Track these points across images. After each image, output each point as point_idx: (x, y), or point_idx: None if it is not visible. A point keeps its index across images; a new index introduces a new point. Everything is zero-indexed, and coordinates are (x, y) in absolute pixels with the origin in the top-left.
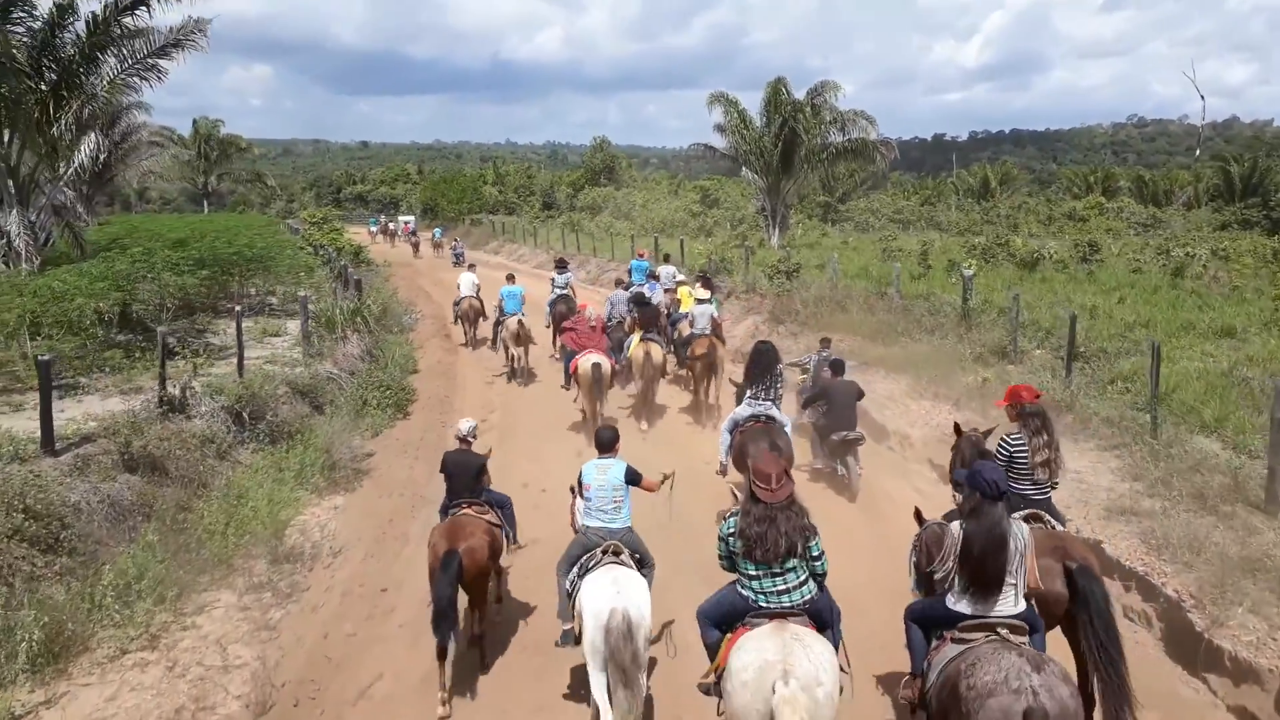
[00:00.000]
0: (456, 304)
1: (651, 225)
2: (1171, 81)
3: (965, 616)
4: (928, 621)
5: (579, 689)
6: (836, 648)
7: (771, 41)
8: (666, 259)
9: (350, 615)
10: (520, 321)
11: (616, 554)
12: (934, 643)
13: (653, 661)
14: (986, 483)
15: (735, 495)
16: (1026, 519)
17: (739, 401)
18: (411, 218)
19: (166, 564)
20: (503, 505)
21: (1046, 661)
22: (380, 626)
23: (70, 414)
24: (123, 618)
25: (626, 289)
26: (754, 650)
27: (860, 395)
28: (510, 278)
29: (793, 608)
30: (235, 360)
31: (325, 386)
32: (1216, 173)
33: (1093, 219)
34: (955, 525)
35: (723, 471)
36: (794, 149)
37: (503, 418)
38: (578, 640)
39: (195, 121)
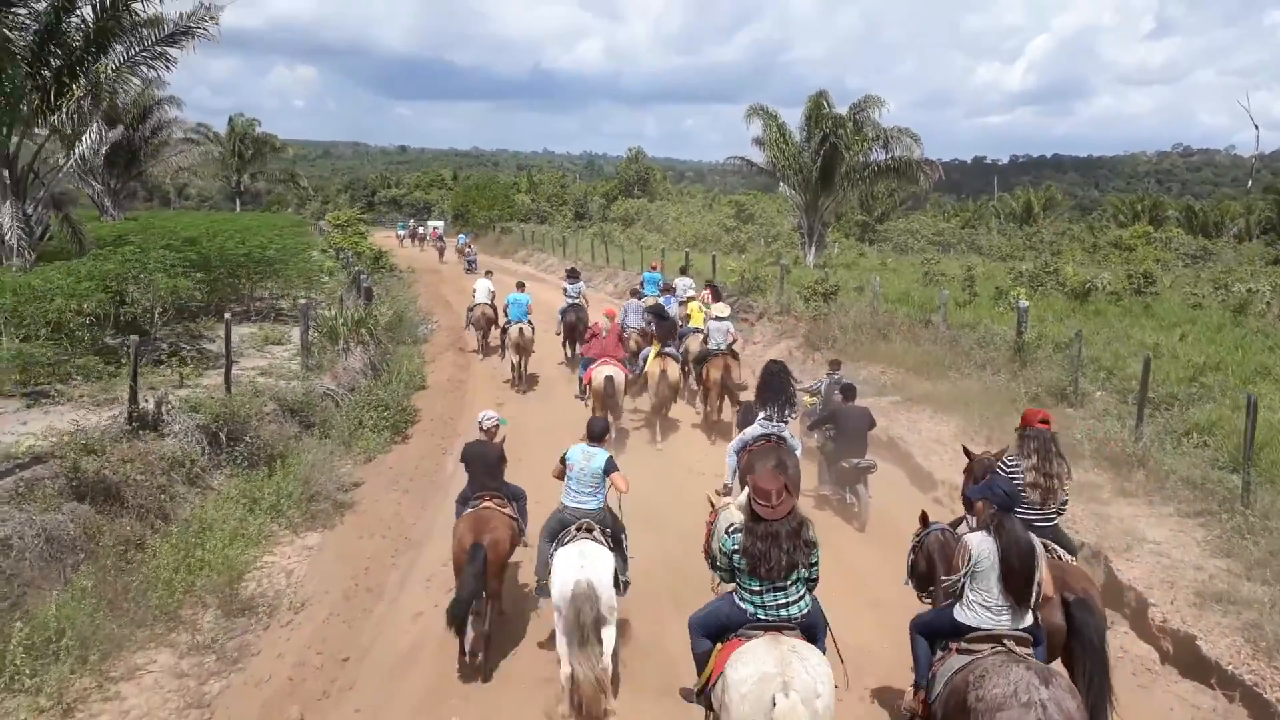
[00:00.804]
0: (470, 310)
1: (684, 239)
2: (1218, 111)
3: (972, 629)
4: (934, 633)
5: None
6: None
7: (813, 59)
8: (684, 271)
9: (300, 693)
10: (522, 330)
11: (589, 530)
12: (938, 654)
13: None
14: (1003, 494)
15: (711, 503)
16: None
17: (746, 422)
18: (440, 223)
19: (99, 615)
20: (518, 498)
21: (1054, 675)
22: (334, 710)
23: (34, 426)
24: (34, 683)
25: (640, 299)
26: (752, 663)
27: (872, 424)
28: (520, 285)
29: (789, 620)
30: (235, 369)
31: (319, 404)
32: (1270, 205)
33: (1140, 248)
34: (974, 537)
35: (727, 492)
36: (834, 165)
37: (511, 431)
38: (549, 593)
39: (231, 119)
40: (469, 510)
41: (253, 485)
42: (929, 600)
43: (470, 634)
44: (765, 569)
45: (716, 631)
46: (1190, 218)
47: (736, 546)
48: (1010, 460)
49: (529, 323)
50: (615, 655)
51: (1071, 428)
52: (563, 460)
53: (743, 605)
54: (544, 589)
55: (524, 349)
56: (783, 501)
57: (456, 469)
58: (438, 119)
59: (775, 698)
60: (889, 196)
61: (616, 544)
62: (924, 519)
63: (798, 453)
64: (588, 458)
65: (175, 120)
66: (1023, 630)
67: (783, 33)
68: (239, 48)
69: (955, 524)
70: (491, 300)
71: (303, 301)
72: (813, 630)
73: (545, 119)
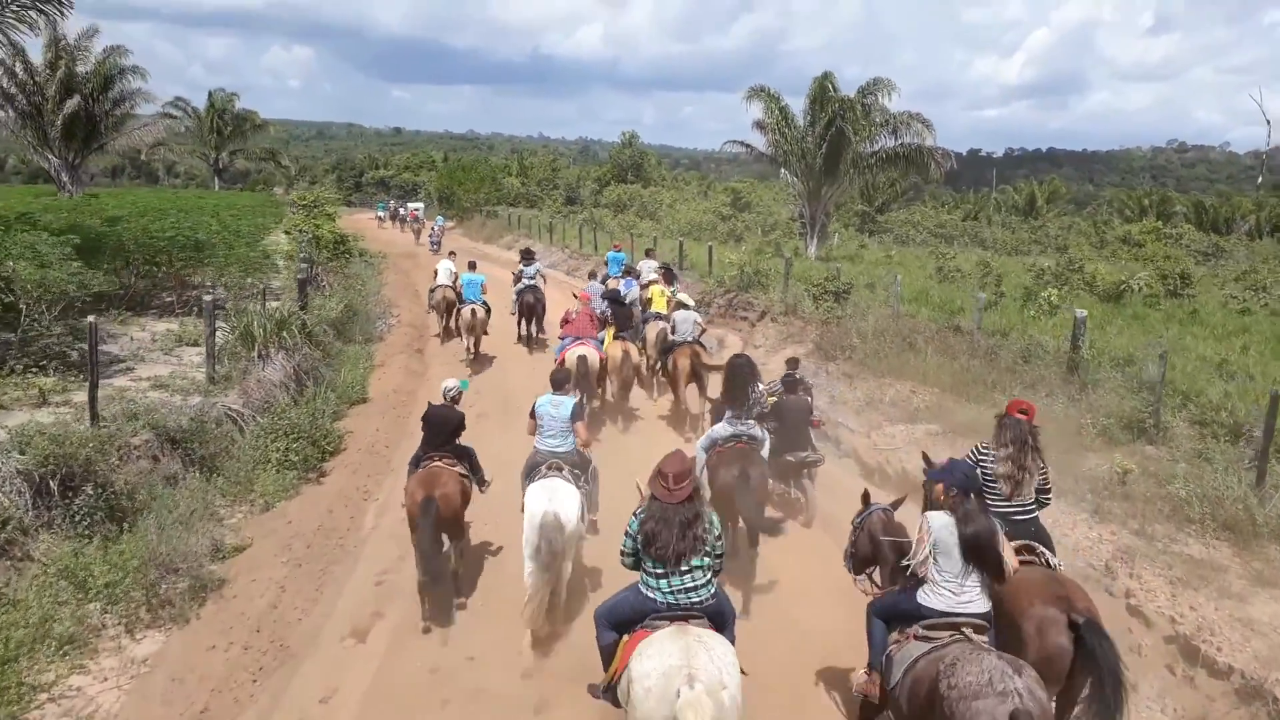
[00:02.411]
0: (432, 292)
1: (677, 227)
2: (1214, 108)
3: (935, 612)
4: (893, 616)
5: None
6: (733, 644)
7: (812, 48)
8: (649, 253)
9: None
10: (474, 310)
11: (559, 469)
12: (894, 638)
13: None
14: (963, 476)
15: (640, 490)
16: (1020, 550)
17: (715, 419)
18: (420, 205)
19: None
20: (468, 456)
21: (1024, 665)
22: None
23: None
24: None
25: (602, 281)
26: (656, 655)
27: (811, 413)
28: (472, 265)
29: (694, 607)
30: (108, 384)
31: (214, 431)
32: None
33: (1149, 244)
34: (934, 515)
35: None
36: (840, 151)
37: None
38: None
39: (210, 94)
40: (420, 469)
41: (82, 557)
42: (865, 585)
43: (428, 598)
44: (655, 549)
45: (623, 622)
46: (1200, 213)
47: (636, 529)
48: (984, 447)
49: (483, 303)
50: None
51: (1155, 473)
52: (533, 415)
53: (647, 593)
54: None
55: (475, 330)
56: (681, 488)
57: (375, 529)
58: (433, 102)
59: (680, 689)
60: (890, 186)
61: (587, 481)
62: (865, 498)
63: (765, 449)
64: (556, 405)
65: (139, 91)
66: (980, 616)
67: (782, 22)
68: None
69: (896, 504)
70: (454, 282)
71: (208, 298)
72: (720, 619)
73: (542, 104)
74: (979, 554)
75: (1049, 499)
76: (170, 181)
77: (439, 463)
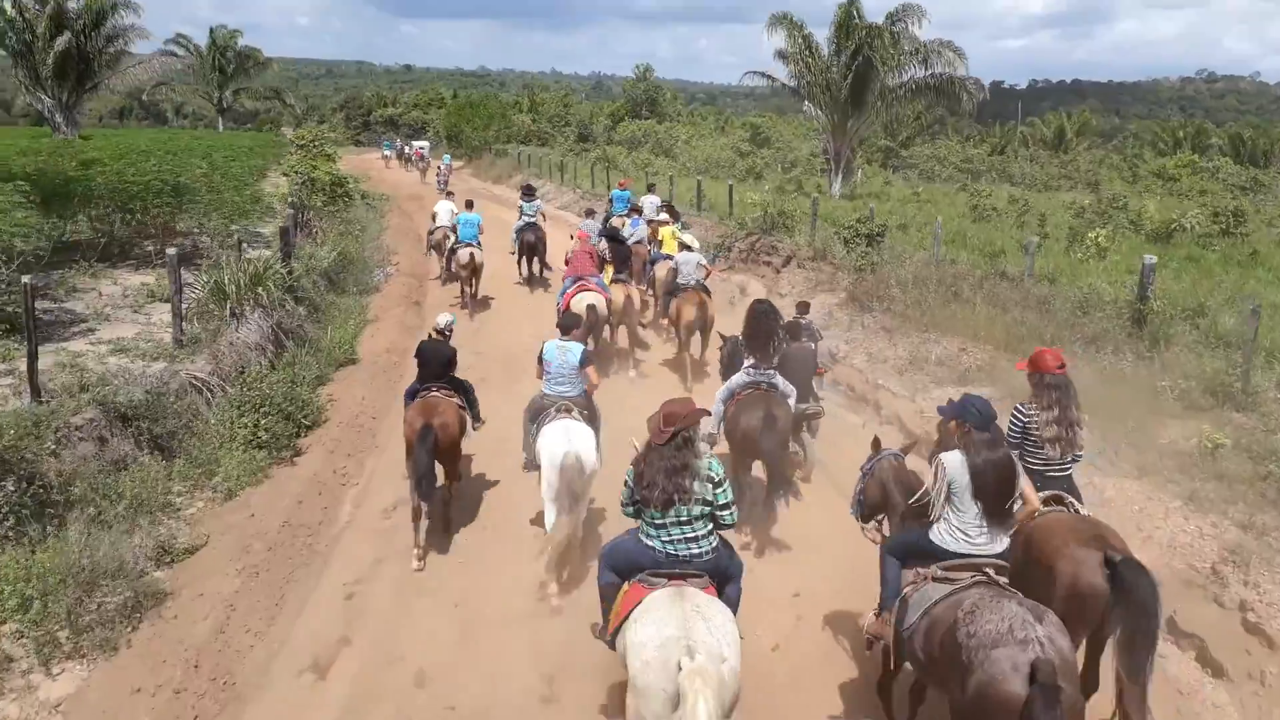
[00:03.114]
0: (431, 233)
1: (694, 164)
2: (1244, 36)
3: (951, 554)
4: (906, 554)
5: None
6: (738, 602)
7: None
8: (651, 189)
9: None
10: (472, 253)
11: (569, 411)
12: (910, 579)
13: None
14: (977, 412)
15: (635, 445)
16: (1047, 501)
17: (725, 361)
18: (425, 144)
19: None
20: (466, 389)
21: (1045, 611)
22: None
23: None
24: None
25: (593, 217)
26: (653, 624)
27: (816, 366)
28: (469, 204)
29: (694, 558)
30: (86, 340)
31: (174, 405)
32: None
33: (1184, 179)
34: (950, 456)
35: (711, 443)
36: (867, 82)
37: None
38: (537, 467)
39: (211, 31)
40: (418, 399)
41: (15, 564)
42: (873, 534)
43: (423, 525)
44: (643, 491)
45: (621, 566)
46: (1237, 146)
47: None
48: (1029, 410)
49: (478, 244)
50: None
51: (1250, 447)
52: (540, 360)
53: (647, 541)
54: (531, 464)
55: (474, 272)
56: (666, 430)
57: (350, 523)
58: (444, 38)
59: (680, 661)
60: (915, 120)
61: (593, 424)
62: (876, 444)
63: (790, 402)
64: (564, 351)
65: (134, 28)
66: (999, 556)
67: None
68: None
69: (907, 449)
70: (454, 223)
71: (171, 251)
72: (723, 574)
73: (554, 38)
74: (990, 487)
75: (1083, 454)
76: (179, 122)
77: (437, 392)
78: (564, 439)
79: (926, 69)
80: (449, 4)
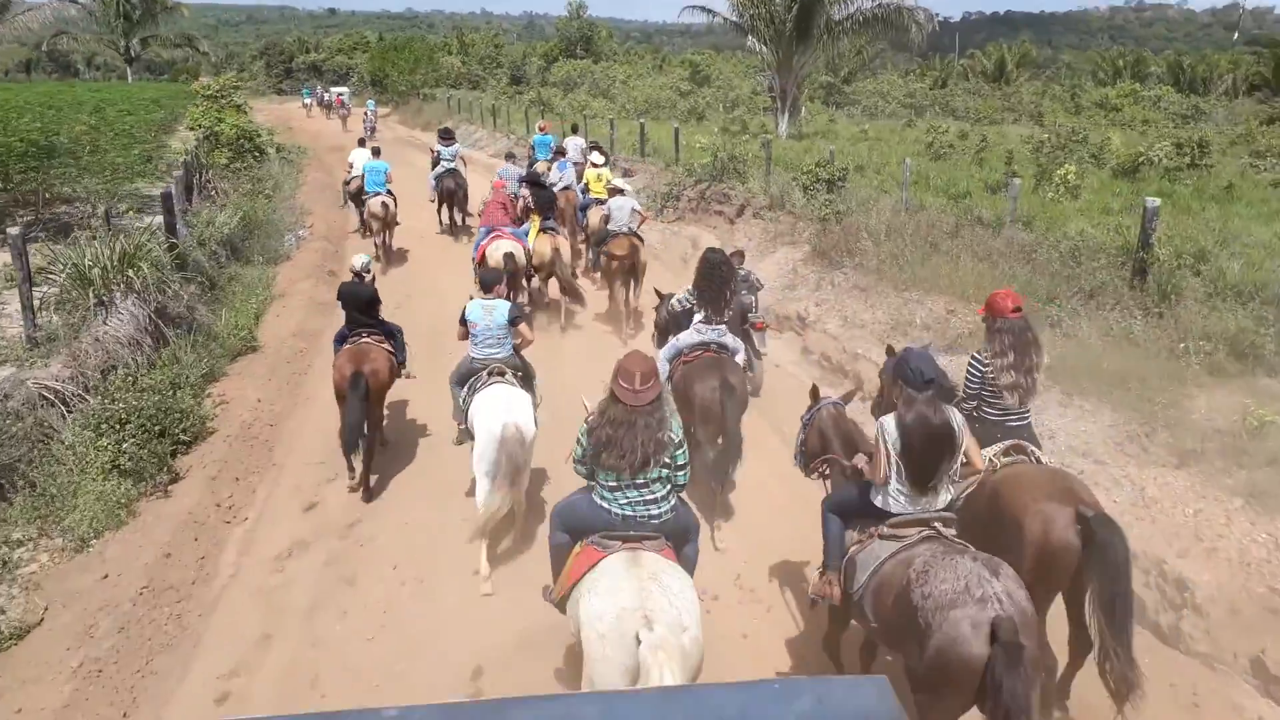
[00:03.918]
0: (346, 184)
1: (634, 106)
2: None
3: (893, 514)
4: (850, 514)
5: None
6: (695, 562)
7: None
8: (575, 129)
9: None
10: (384, 202)
11: (501, 374)
12: (855, 537)
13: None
14: (912, 370)
15: (585, 405)
16: (1008, 451)
17: (660, 323)
18: (345, 89)
19: None
20: (394, 335)
21: (1000, 564)
22: None
23: None
24: None
25: (514, 161)
26: (607, 595)
27: (750, 315)
28: (375, 152)
29: (651, 519)
30: None
31: (16, 426)
32: (1261, 60)
33: (1126, 108)
34: (889, 419)
35: None
36: (812, 15)
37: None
38: (471, 438)
39: None
40: (347, 345)
41: None
42: (817, 477)
43: (358, 466)
44: (615, 457)
45: (574, 527)
46: (1177, 74)
47: (586, 429)
48: (981, 358)
49: (389, 192)
50: None
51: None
52: (463, 321)
53: (602, 504)
54: (466, 434)
55: (387, 222)
56: (647, 388)
57: (235, 578)
58: None
59: (640, 633)
60: (856, 55)
61: (528, 386)
62: (814, 393)
63: (740, 358)
64: (489, 311)
65: None
66: (946, 509)
67: None
68: None
69: (847, 398)
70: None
71: (13, 230)
72: (682, 535)
73: None
74: (915, 449)
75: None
76: (92, 75)
77: (367, 339)
78: (502, 408)
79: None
80: None
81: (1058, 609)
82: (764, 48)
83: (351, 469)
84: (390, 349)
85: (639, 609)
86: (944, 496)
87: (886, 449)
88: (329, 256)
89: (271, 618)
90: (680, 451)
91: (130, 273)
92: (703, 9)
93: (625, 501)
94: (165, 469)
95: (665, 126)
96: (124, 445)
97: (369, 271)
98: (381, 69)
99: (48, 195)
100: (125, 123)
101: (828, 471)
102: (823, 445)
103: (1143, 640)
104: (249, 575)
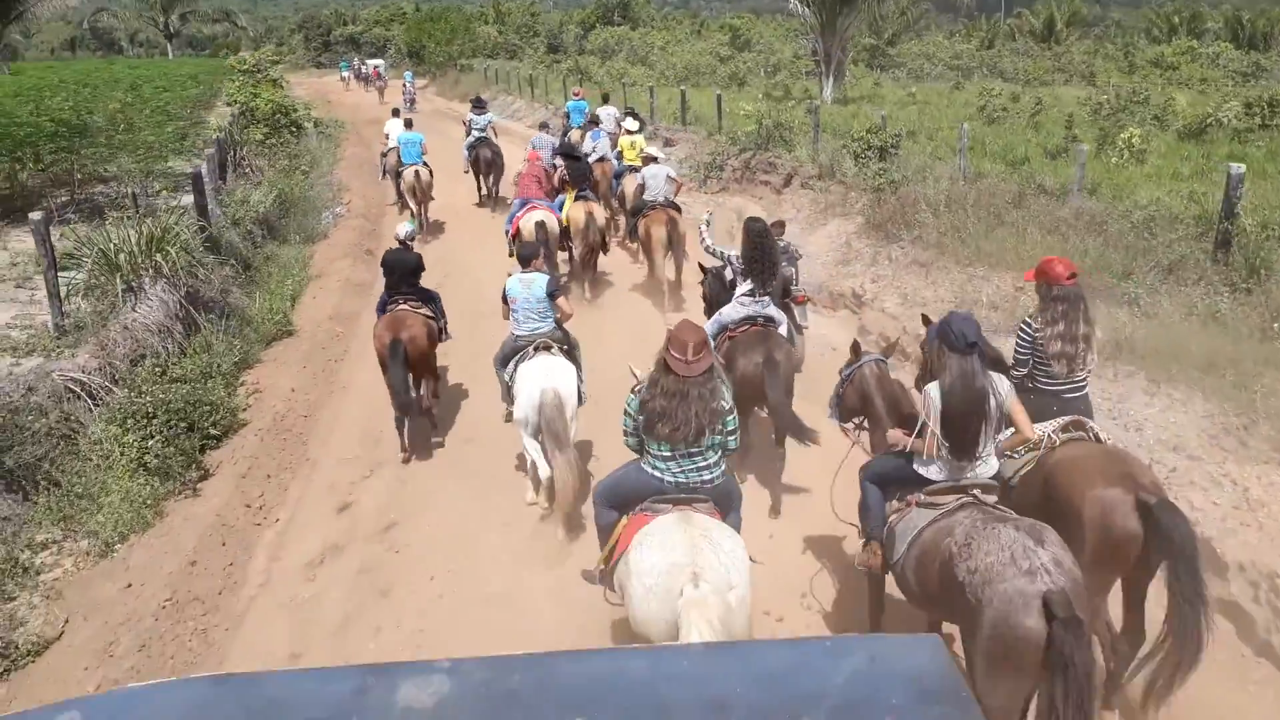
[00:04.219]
0: (384, 155)
1: (673, 73)
2: None
3: (933, 481)
4: (889, 482)
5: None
6: (739, 530)
7: None
8: (606, 99)
9: None
10: (418, 173)
11: (547, 348)
12: (894, 505)
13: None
14: (955, 334)
15: (634, 374)
16: (1067, 428)
17: (708, 297)
18: (381, 61)
19: None
20: (434, 299)
21: (1044, 530)
22: None
23: None
24: None
25: (548, 130)
26: (659, 549)
27: (791, 288)
28: (408, 123)
29: (703, 485)
30: None
31: (38, 422)
32: None
33: (1184, 66)
34: (934, 387)
35: None
36: None
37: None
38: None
39: None
40: (386, 313)
41: None
42: (852, 432)
43: (407, 429)
44: (669, 428)
45: (622, 501)
46: (1235, 29)
47: (638, 402)
48: (1031, 324)
49: (425, 164)
50: None
51: None
52: (505, 299)
53: (653, 473)
54: (511, 415)
55: (423, 195)
56: (700, 358)
57: (265, 586)
58: None
59: (684, 588)
60: (900, 16)
61: (573, 359)
62: (855, 349)
63: (783, 330)
64: (527, 285)
65: None
66: (990, 479)
67: None
68: None
69: (888, 352)
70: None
71: (35, 215)
72: (727, 500)
73: None
74: (955, 413)
75: (1093, 367)
76: (135, 51)
77: (404, 305)
78: (541, 376)
79: None
80: None
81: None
82: (806, 10)
83: (403, 442)
84: (429, 314)
85: (689, 564)
86: (989, 465)
87: (933, 419)
88: (366, 235)
89: (301, 634)
90: (731, 417)
91: (159, 257)
92: None
93: (679, 470)
94: (194, 466)
95: (706, 93)
96: (150, 442)
97: (413, 239)
98: (418, 40)
99: (80, 175)
100: (161, 99)
101: (865, 424)
102: (863, 403)
103: (1263, 671)
104: (278, 585)
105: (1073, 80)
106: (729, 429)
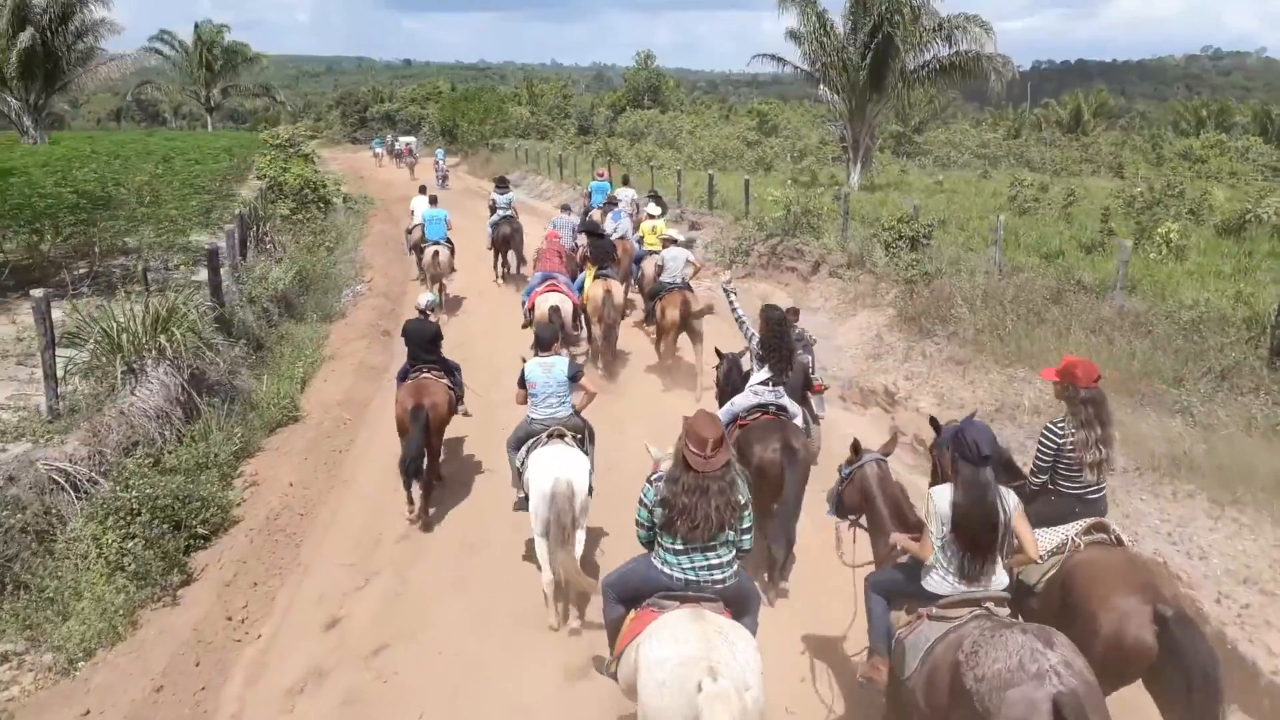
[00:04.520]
0: (409, 232)
1: (701, 155)
2: (1246, 12)
3: (942, 596)
4: (895, 594)
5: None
6: (754, 635)
7: None
8: (626, 181)
9: None
10: (437, 253)
11: (561, 436)
12: (904, 619)
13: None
14: (969, 444)
15: (651, 452)
16: (1090, 530)
17: (721, 382)
18: (412, 139)
19: None
20: (454, 370)
21: (1054, 634)
22: None
23: None
24: None
25: (569, 212)
26: (671, 642)
27: (808, 375)
28: (433, 200)
29: (714, 584)
30: None
31: (13, 518)
32: None
33: (1213, 159)
34: (940, 490)
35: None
36: (887, 62)
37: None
38: (527, 498)
39: (197, 26)
40: (409, 380)
41: None
42: (856, 526)
43: (416, 492)
44: (688, 526)
45: (631, 595)
46: (1264, 123)
47: (658, 497)
48: (1061, 428)
49: (448, 242)
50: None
51: None
52: (521, 383)
53: (662, 568)
54: (521, 502)
55: (440, 273)
56: (718, 453)
57: None
58: (444, 32)
59: (701, 682)
60: (927, 104)
61: (586, 449)
62: (855, 448)
63: (798, 422)
64: (547, 369)
65: (104, 23)
66: (1002, 591)
67: None
68: None
69: (888, 449)
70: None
71: (36, 293)
72: (742, 603)
73: (553, 29)
74: (968, 527)
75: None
76: (177, 123)
77: (428, 374)
78: (554, 465)
79: (950, 46)
80: None
81: None
82: (836, 97)
83: (411, 501)
84: (450, 384)
85: (704, 659)
86: (1000, 578)
87: (936, 524)
88: (384, 315)
89: None
90: (747, 513)
91: (163, 338)
92: (773, 57)
93: (689, 566)
94: (176, 568)
95: (733, 177)
96: (130, 543)
97: (433, 310)
98: (451, 119)
99: (100, 248)
100: (192, 172)
101: (864, 523)
102: (864, 503)
103: None
104: (254, 713)
105: (1100, 171)
106: (744, 526)
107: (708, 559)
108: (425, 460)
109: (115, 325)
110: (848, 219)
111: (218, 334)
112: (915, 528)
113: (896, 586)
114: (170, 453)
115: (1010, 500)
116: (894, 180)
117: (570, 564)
